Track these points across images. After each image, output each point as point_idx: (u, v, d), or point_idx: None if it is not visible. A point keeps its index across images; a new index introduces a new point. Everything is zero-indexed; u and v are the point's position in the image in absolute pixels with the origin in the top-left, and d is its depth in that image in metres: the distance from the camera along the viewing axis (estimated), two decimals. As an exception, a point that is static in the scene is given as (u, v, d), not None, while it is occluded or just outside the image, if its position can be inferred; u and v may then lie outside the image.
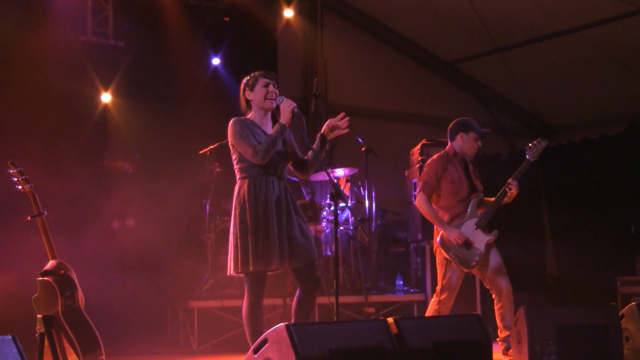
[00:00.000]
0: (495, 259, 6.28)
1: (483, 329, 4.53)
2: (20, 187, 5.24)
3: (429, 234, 8.64)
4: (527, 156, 6.31)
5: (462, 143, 6.41)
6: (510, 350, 6.04)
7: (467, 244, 6.21)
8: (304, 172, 5.37)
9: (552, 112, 12.10)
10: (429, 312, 6.43)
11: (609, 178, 10.00)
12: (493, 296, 6.36)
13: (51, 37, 8.30)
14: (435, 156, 6.49)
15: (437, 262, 6.41)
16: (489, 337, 4.52)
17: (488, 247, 6.25)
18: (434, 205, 6.37)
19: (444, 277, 6.30)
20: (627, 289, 8.22)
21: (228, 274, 5.20)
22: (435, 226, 6.44)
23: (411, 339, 4.25)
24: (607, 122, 11.33)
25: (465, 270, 6.27)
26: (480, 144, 6.43)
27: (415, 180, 8.99)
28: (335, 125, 5.19)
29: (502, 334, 6.28)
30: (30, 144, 7.82)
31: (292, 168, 5.40)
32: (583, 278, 10.01)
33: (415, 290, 8.74)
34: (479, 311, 8.21)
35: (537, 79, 11.63)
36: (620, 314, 5.22)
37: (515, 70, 11.40)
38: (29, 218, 5.23)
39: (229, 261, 5.14)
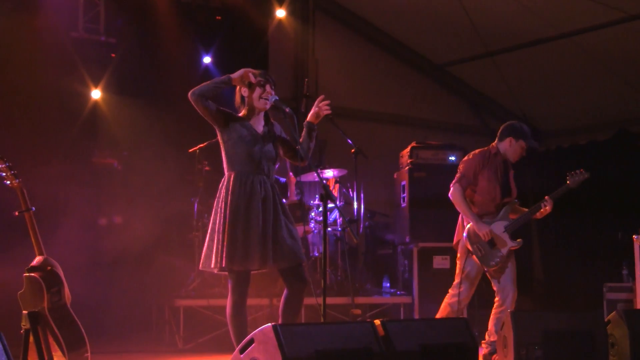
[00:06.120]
0: (513, 267, 6.36)
1: (470, 333, 4.54)
2: (8, 182, 5.20)
3: (416, 237, 8.67)
4: (568, 182, 6.41)
5: (508, 147, 6.45)
6: (494, 356, 6.05)
7: (492, 243, 6.27)
8: (301, 160, 5.27)
9: (541, 117, 12.11)
10: (443, 306, 6.48)
11: (596, 184, 10.02)
12: (496, 299, 6.39)
13: (42, 32, 8.25)
14: (477, 151, 6.54)
15: (458, 255, 6.48)
16: (476, 341, 4.53)
17: (509, 253, 6.32)
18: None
19: (463, 269, 6.36)
20: (613, 295, 8.23)
21: (200, 268, 5.19)
22: (461, 222, 6.50)
23: (398, 342, 4.25)
24: (596, 128, 11.37)
25: (484, 267, 6.31)
26: (525, 154, 6.48)
27: (404, 182, 9.01)
28: (317, 109, 5.24)
29: (490, 337, 6.29)
30: (19, 139, 7.78)
31: (289, 159, 5.40)
32: (569, 283, 10.02)
33: (402, 292, 8.75)
34: (465, 315, 8.22)
35: (527, 83, 11.65)
36: (606, 319, 5.24)
37: (505, 74, 11.42)
38: (17, 213, 5.20)
39: (202, 255, 5.12)
